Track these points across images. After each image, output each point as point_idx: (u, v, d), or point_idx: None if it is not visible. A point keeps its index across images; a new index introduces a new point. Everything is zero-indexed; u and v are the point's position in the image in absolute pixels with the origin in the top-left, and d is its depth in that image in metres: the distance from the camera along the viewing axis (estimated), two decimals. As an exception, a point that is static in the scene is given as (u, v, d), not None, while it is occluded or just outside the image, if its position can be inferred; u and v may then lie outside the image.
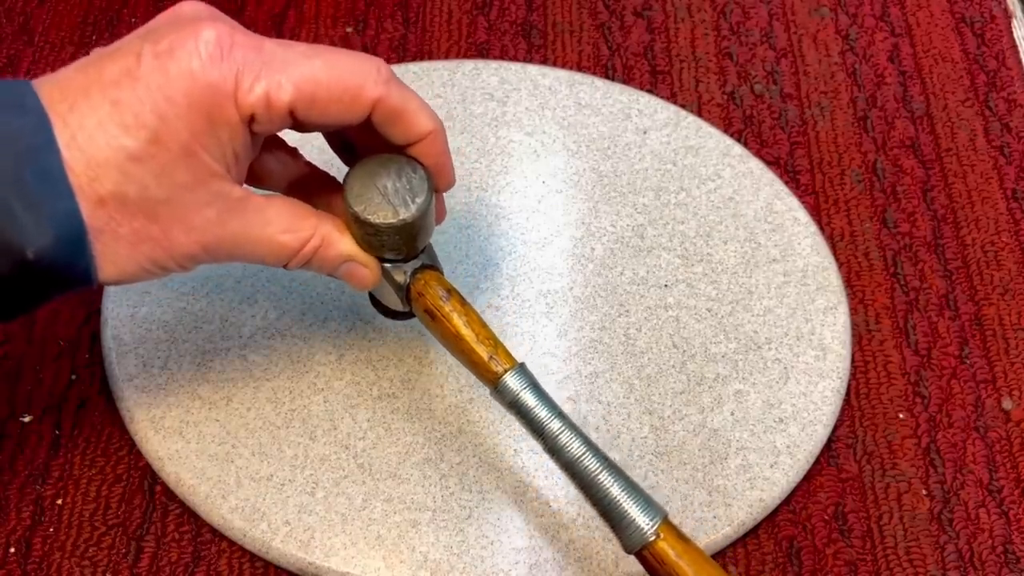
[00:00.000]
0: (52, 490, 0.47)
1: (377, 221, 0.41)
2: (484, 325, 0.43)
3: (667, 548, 0.39)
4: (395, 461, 0.47)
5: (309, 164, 0.45)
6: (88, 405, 0.49)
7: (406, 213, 0.41)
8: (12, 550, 0.45)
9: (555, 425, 0.41)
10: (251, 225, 0.39)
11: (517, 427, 0.47)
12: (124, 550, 0.46)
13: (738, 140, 0.58)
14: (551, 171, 0.56)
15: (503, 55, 0.61)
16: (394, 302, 0.45)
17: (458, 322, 0.42)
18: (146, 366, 0.49)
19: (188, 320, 0.50)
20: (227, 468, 0.46)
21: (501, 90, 0.58)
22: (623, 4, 0.64)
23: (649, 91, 0.60)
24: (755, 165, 0.56)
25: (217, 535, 0.46)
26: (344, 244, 0.42)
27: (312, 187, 0.44)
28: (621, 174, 0.56)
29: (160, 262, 0.38)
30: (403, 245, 0.42)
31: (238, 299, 0.51)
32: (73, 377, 0.50)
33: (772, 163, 0.57)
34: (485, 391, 0.48)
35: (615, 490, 0.39)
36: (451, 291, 0.43)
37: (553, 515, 0.46)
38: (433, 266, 0.44)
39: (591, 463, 0.40)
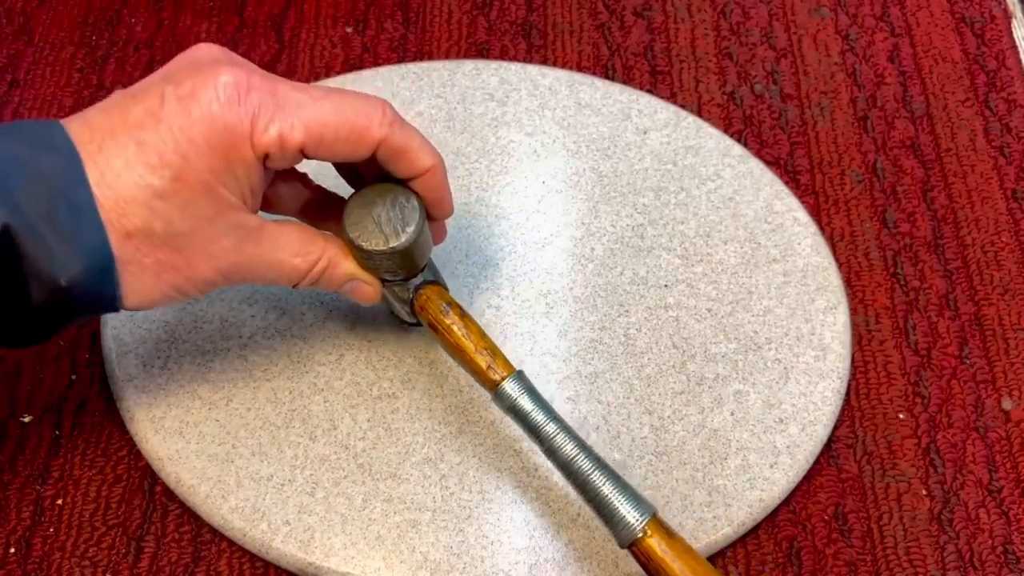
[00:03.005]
0: (52, 490, 0.47)
1: (369, 248, 0.43)
2: (483, 336, 0.45)
3: (654, 544, 0.40)
4: (395, 461, 0.47)
5: (319, 188, 0.47)
6: (88, 405, 0.49)
7: (395, 242, 0.43)
8: (12, 550, 0.45)
9: (551, 428, 0.43)
10: (266, 251, 0.42)
11: (517, 428, 0.47)
12: (124, 550, 0.46)
13: (738, 140, 0.58)
14: (551, 171, 0.56)
15: (503, 55, 0.61)
16: (404, 314, 0.48)
17: (458, 334, 0.45)
18: (146, 366, 0.49)
19: (188, 320, 0.50)
20: (227, 468, 0.46)
21: (501, 90, 0.58)
22: (623, 4, 0.63)
23: (649, 91, 0.60)
24: (755, 165, 0.56)
25: (217, 535, 0.46)
26: (349, 265, 0.44)
27: (322, 209, 0.46)
28: (621, 174, 0.56)
29: (182, 288, 0.41)
30: (399, 268, 0.44)
31: (238, 299, 0.51)
32: (73, 377, 0.50)
33: (772, 163, 0.57)
34: (485, 391, 0.48)
35: (606, 489, 0.41)
36: (451, 304, 0.45)
37: (553, 515, 0.46)
38: (435, 281, 0.47)
39: (584, 463, 0.42)
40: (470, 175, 0.55)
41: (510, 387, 0.43)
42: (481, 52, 0.61)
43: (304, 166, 0.45)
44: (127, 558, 0.45)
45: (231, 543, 0.46)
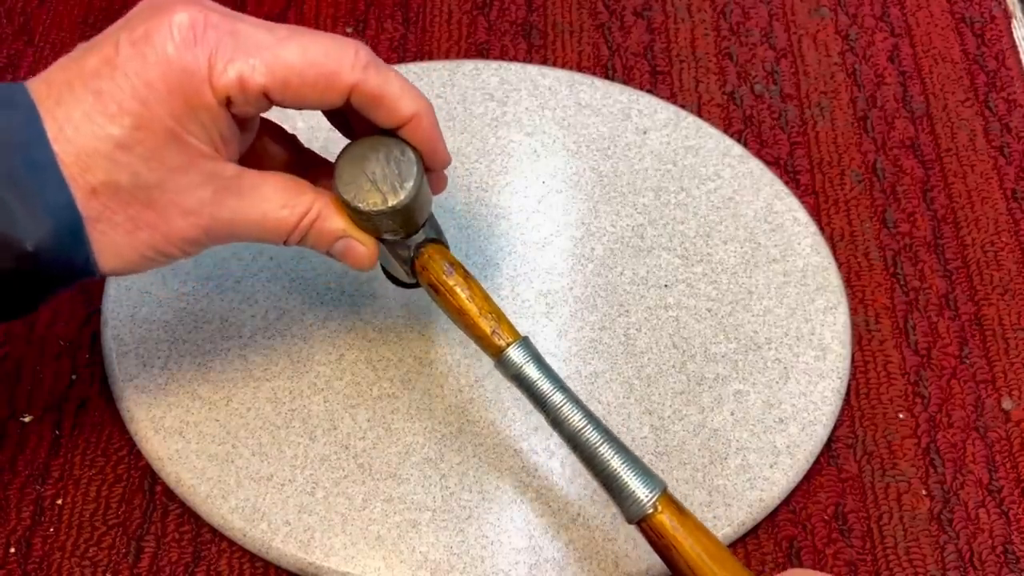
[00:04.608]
0: (52, 490, 0.47)
1: (367, 208, 0.40)
2: (487, 299, 0.43)
3: (664, 520, 0.39)
4: (395, 461, 0.47)
5: (307, 150, 0.45)
6: (88, 405, 0.49)
7: (395, 199, 0.40)
8: (12, 550, 0.45)
9: (557, 398, 0.41)
10: (248, 202, 0.39)
11: (517, 428, 0.47)
12: (124, 550, 0.46)
13: (738, 140, 0.58)
14: (551, 171, 0.56)
15: (503, 55, 0.61)
16: (402, 274, 0.45)
17: (461, 296, 0.42)
18: (146, 366, 0.49)
19: (188, 320, 0.50)
20: (227, 468, 0.46)
21: (501, 90, 0.58)
22: (623, 4, 0.63)
23: (649, 91, 0.60)
24: (755, 165, 0.56)
25: (217, 535, 0.46)
26: (340, 220, 0.41)
27: (310, 173, 0.44)
28: (621, 174, 0.56)
29: (161, 248, 0.39)
30: (399, 227, 0.42)
31: (238, 299, 0.51)
32: (73, 377, 0.50)
33: (772, 163, 0.57)
34: (485, 391, 0.48)
35: (615, 463, 0.40)
36: (455, 264, 0.43)
37: (553, 515, 0.46)
38: (437, 239, 0.44)
39: (592, 436, 0.40)
40: (470, 175, 0.55)
41: (515, 354, 0.41)
42: (481, 52, 0.61)
43: (300, 124, 0.43)
44: (127, 558, 0.45)
45: (231, 543, 0.46)
